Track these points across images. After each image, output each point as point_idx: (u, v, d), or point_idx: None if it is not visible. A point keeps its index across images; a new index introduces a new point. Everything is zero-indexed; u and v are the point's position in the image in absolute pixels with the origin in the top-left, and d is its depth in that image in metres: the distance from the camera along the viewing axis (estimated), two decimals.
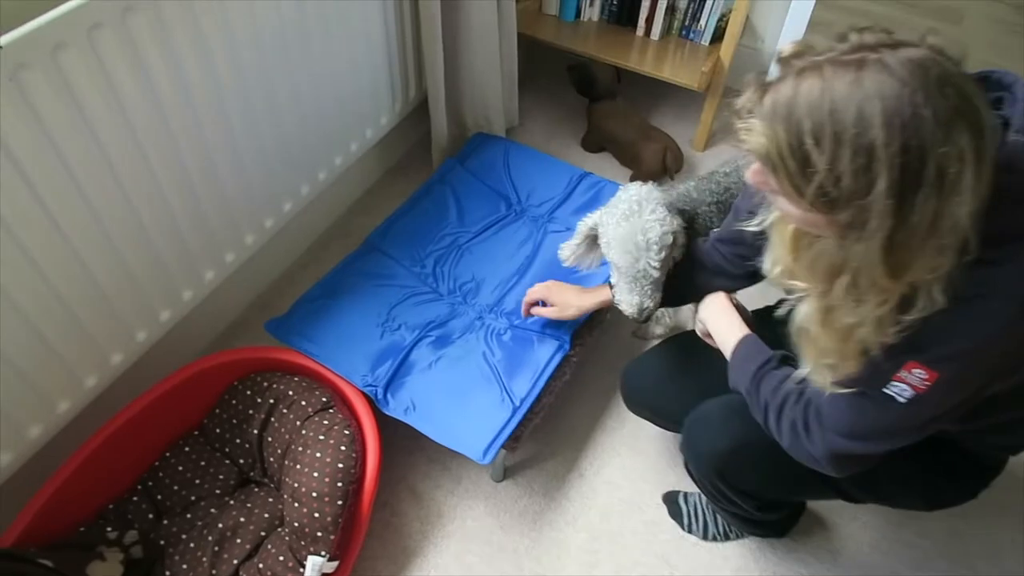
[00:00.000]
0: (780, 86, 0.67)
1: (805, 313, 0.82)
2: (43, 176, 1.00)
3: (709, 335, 1.14)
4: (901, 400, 0.79)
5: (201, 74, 1.18)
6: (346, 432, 1.23)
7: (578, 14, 2.12)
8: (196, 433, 1.36)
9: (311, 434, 1.23)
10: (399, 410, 1.31)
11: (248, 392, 1.33)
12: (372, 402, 1.31)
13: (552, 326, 1.43)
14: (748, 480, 1.10)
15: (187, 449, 1.33)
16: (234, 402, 1.34)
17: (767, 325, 1.02)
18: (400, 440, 1.42)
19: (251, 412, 1.32)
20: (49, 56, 0.94)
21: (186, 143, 1.21)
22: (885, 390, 0.79)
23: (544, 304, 1.39)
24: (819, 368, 0.84)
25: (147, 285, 1.27)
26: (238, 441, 1.33)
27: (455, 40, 1.71)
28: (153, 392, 1.27)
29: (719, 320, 1.10)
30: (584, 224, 1.26)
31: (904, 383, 0.78)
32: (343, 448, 1.20)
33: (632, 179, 1.95)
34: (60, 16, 0.93)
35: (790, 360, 0.98)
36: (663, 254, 1.13)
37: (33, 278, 1.05)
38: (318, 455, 1.19)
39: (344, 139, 1.64)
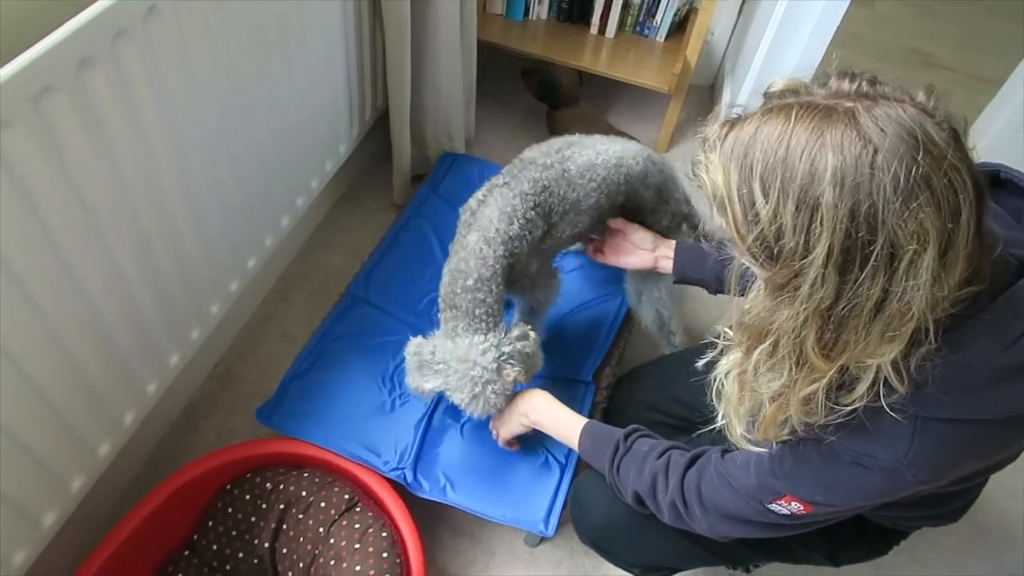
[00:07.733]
0: (745, 124, 0.60)
1: (725, 366, 0.74)
2: None
3: (512, 441, 1.14)
4: (781, 513, 0.76)
5: (161, 128, 0.95)
6: (384, 534, 1.06)
7: (527, 13, 1.97)
8: (187, 553, 1.13)
9: (342, 542, 1.05)
10: (436, 491, 1.15)
11: (247, 496, 1.13)
12: (400, 489, 1.14)
13: (573, 368, 1.32)
14: (627, 553, 1.03)
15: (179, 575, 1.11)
16: (230, 510, 1.13)
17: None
18: (417, 514, 1.26)
19: (255, 520, 1.12)
20: None
21: (145, 209, 0.98)
22: (767, 505, 0.77)
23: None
24: (733, 424, 0.76)
25: (106, 389, 1.02)
26: (242, 555, 1.12)
27: (420, 53, 1.52)
28: (133, 518, 1.04)
29: (552, 416, 1.05)
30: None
31: (781, 507, 0.76)
32: (384, 555, 1.04)
33: None
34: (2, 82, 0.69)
35: (640, 431, 0.94)
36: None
37: None
38: (357, 568, 1.02)
39: (305, 176, 1.42)
